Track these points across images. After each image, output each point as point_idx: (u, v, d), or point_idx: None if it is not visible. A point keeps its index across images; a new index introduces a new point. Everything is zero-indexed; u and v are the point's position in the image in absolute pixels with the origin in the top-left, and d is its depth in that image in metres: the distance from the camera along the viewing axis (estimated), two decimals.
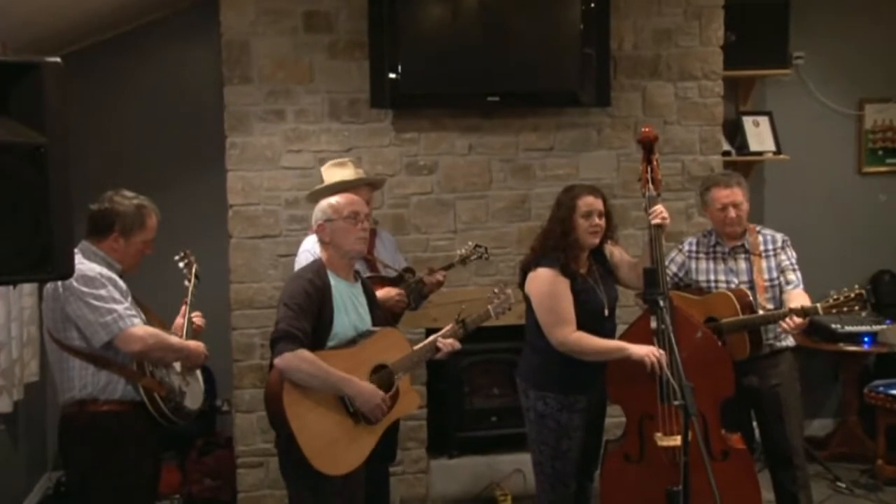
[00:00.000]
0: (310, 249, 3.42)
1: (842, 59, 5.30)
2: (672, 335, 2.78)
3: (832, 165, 5.34)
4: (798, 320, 3.27)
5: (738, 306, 3.39)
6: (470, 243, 3.97)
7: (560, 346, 3.14)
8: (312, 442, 2.70)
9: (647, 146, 3.30)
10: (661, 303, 2.81)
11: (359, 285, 3.03)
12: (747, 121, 5.10)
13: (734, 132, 5.09)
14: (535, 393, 3.25)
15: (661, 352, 3.01)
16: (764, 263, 3.51)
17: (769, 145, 5.07)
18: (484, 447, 4.57)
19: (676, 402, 2.68)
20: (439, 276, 3.73)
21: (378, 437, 2.88)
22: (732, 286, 3.51)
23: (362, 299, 3.01)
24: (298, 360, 2.69)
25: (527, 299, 3.28)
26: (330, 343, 2.83)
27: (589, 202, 3.20)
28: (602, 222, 3.21)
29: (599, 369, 3.19)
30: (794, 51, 5.12)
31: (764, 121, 5.11)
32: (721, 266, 3.57)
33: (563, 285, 3.15)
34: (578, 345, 3.13)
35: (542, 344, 3.20)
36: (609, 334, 3.27)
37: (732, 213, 3.49)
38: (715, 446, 3.17)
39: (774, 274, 3.51)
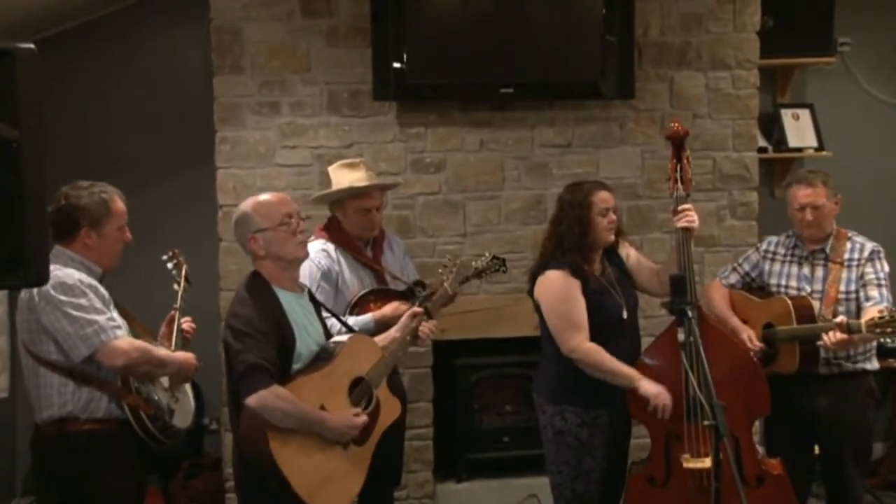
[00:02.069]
0: (313, 259, 3.38)
1: (893, 46, 5.28)
2: (701, 348, 2.79)
3: (880, 163, 5.30)
4: (840, 336, 3.23)
5: (794, 314, 3.38)
6: (487, 254, 3.92)
7: (570, 354, 3.18)
8: (308, 484, 2.66)
9: (677, 142, 3.33)
10: (690, 313, 2.82)
11: (305, 295, 2.96)
12: (786, 114, 5.09)
13: (771, 126, 5.08)
14: (553, 408, 3.28)
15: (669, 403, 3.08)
16: (844, 273, 3.46)
17: (810, 141, 5.06)
18: (496, 470, 4.56)
19: (706, 422, 2.69)
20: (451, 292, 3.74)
21: (371, 453, 2.89)
22: (804, 294, 3.48)
23: (311, 309, 2.96)
24: (274, 397, 2.62)
25: (537, 307, 3.31)
26: (296, 366, 2.77)
27: (604, 198, 3.28)
28: (615, 218, 3.31)
29: None
30: (839, 36, 5.06)
31: (804, 114, 5.10)
32: (795, 270, 3.55)
33: (575, 288, 3.20)
34: (590, 356, 3.17)
35: (557, 353, 3.23)
36: (630, 342, 3.31)
37: (809, 215, 3.45)
38: (749, 471, 3.16)
39: (853, 287, 3.44)
